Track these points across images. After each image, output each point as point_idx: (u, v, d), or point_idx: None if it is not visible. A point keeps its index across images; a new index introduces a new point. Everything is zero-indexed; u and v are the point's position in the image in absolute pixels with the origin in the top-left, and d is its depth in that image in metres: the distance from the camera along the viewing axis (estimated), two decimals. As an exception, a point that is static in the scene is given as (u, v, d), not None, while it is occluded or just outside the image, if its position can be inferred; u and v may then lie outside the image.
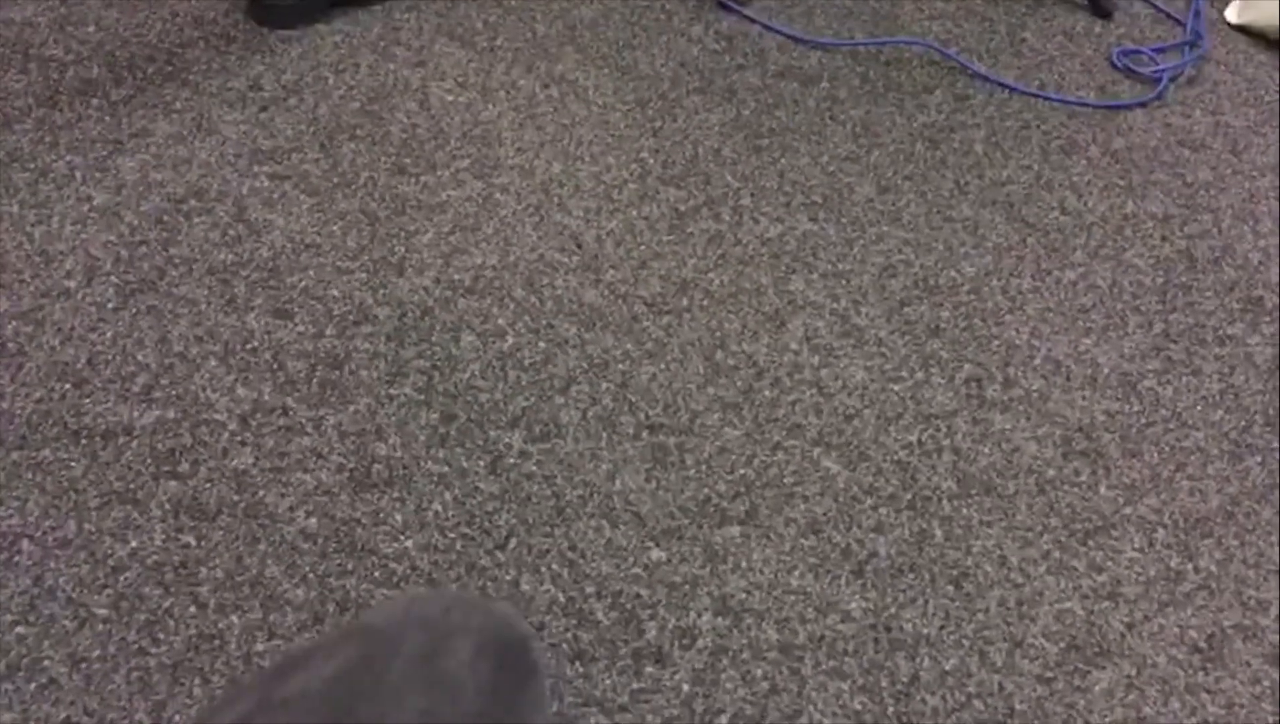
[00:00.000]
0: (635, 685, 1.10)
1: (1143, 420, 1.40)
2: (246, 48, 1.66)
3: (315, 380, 1.30)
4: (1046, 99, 1.80)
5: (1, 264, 1.35)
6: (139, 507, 1.17)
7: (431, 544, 1.18)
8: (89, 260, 1.37)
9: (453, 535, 1.19)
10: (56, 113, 1.53)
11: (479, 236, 1.47)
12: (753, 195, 1.58)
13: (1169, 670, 1.18)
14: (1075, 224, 1.62)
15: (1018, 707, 1.13)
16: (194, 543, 1.15)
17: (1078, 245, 1.59)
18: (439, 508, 1.21)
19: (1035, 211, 1.62)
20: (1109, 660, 1.18)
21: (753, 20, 1.84)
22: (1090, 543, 1.27)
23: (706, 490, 1.26)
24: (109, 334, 1.30)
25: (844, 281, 1.49)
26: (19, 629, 1.07)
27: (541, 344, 1.37)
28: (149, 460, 1.21)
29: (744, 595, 1.18)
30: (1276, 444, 1.39)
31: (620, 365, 1.36)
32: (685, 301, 1.44)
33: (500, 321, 1.38)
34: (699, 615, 1.16)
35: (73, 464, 1.19)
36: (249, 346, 1.32)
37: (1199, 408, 1.42)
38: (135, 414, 1.24)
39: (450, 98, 1.64)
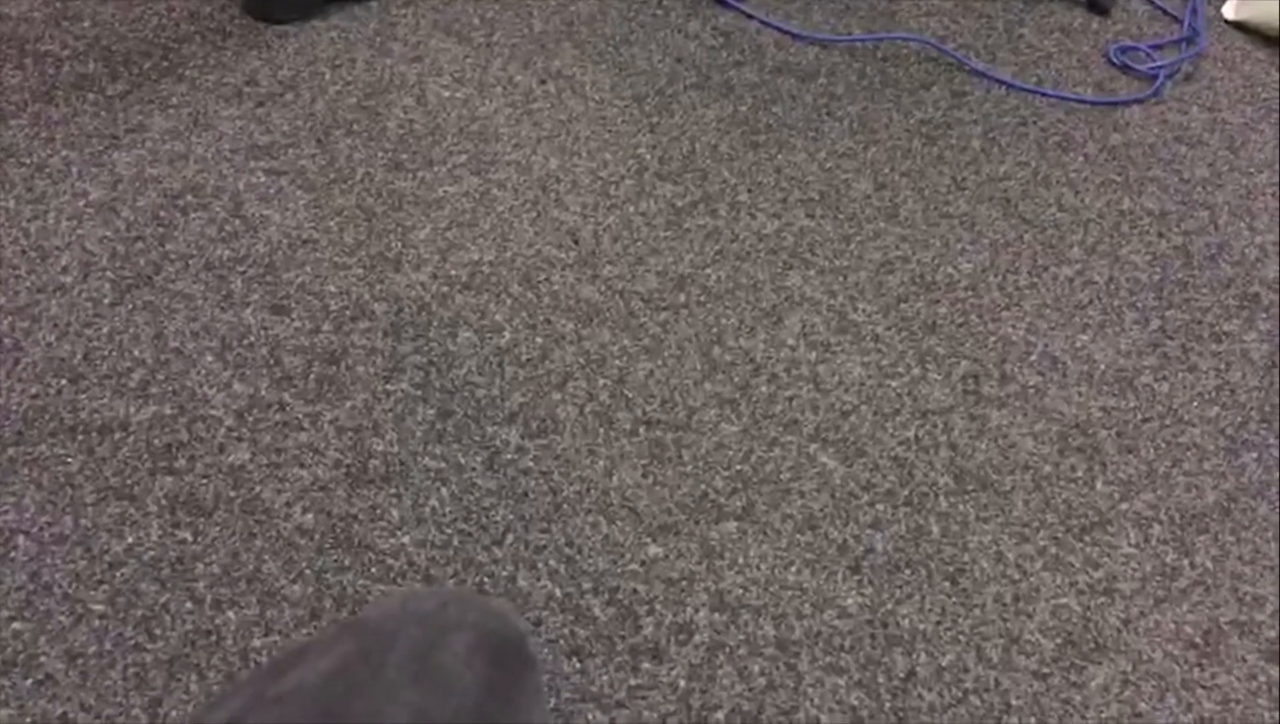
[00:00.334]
0: (632, 681, 1.11)
1: (1139, 416, 1.40)
2: (243, 43, 1.66)
3: (312, 376, 1.29)
4: (1044, 95, 1.80)
5: (-3, 259, 1.35)
6: (135, 502, 1.17)
7: (428, 540, 1.18)
8: (85, 255, 1.37)
9: (449, 531, 1.19)
10: (52, 108, 1.53)
11: (476, 232, 1.47)
12: (750, 191, 1.58)
13: (1165, 666, 1.18)
14: (1072, 220, 1.62)
15: (1014, 702, 1.14)
16: (190, 538, 1.15)
17: (1075, 242, 1.59)
18: (436, 504, 1.21)
19: (1032, 208, 1.62)
20: (1105, 656, 1.18)
21: (750, 16, 1.84)
22: (1086, 539, 1.27)
23: (703, 486, 1.26)
24: (105, 329, 1.30)
25: (841, 278, 1.49)
26: (15, 625, 1.07)
27: (538, 340, 1.36)
28: (145, 456, 1.20)
29: (741, 591, 1.18)
30: (1273, 440, 1.40)
31: (617, 361, 1.36)
32: (682, 297, 1.44)
33: (497, 317, 1.38)
34: (696, 611, 1.16)
35: (69, 460, 1.19)
36: (245, 342, 1.31)
37: (1195, 404, 1.42)
38: (131, 410, 1.24)
39: (447, 93, 1.64)
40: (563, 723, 1.07)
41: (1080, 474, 1.33)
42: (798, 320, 1.43)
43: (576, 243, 1.47)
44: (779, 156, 1.63)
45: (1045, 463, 1.33)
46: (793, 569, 1.21)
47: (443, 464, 1.24)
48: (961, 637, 1.18)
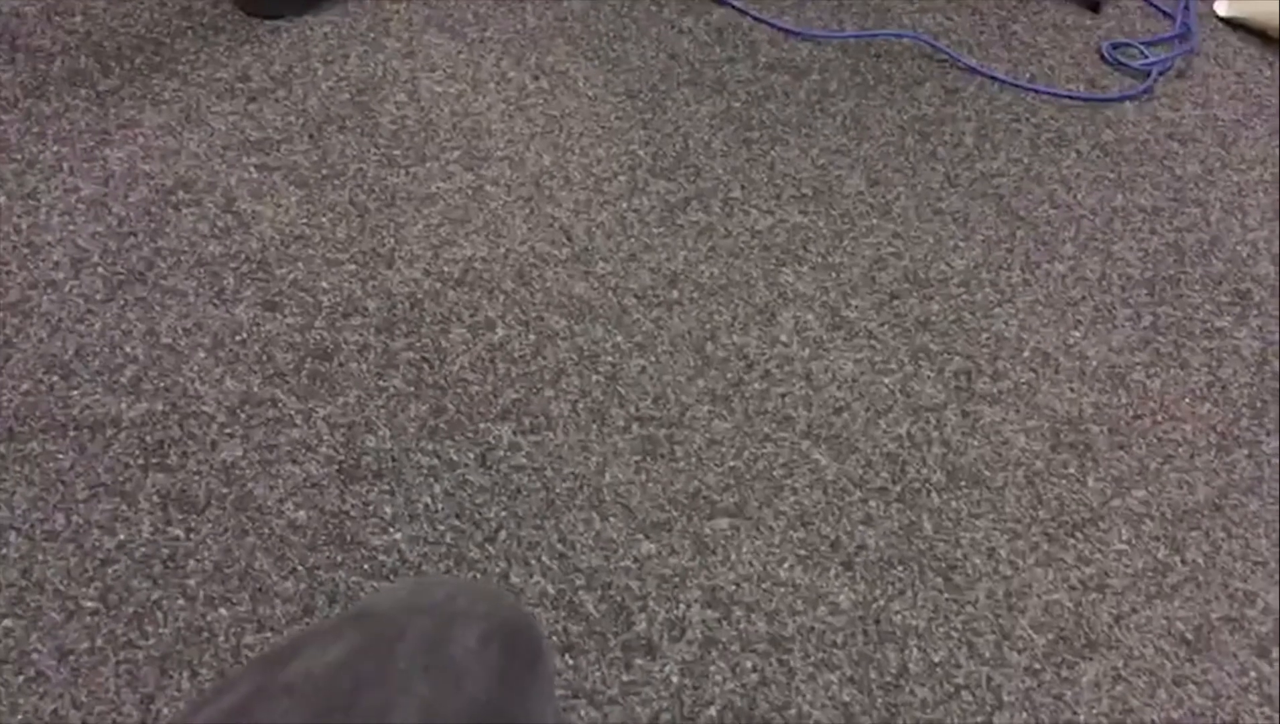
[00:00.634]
0: (625, 677, 1.11)
1: (1131, 413, 1.40)
2: (235, 38, 1.66)
3: (304, 372, 1.29)
4: (1036, 92, 1.80)
5: (-12, 255, 1.35)
6: (127, 499, 1.17)
7: (421, 536, 1.18)
8: (76, 251, 1.37)
9: (442, 527, 1.19)
10: (44, 103, 1.52)
11: (469, 228, 1.46)
12: (743, 188, 1.58)
13: (1156, 662, 1.18)
14: (1064, 217, 1.62)
15: (1006, 698, 1.14)
16: (182, 535, 1.15)
17: (1067, 238, 1.59)
18: (428, 500, 1.21)
19: (1025, 204, 1.63)
20: (1096, 652, 1.18)
21: (743, 12, 1.84)
22: (1078, 535, 1.28)
23: (696, 482, 1.26)
24: (97, 326, 1.30)
25: (834, 274, 1.49)
26: (6, 622, 1.07)
27: (531, 336, 1.36)
28: (137, 452, 1.20)
29: (733, 587, 1.18)
30: (1263, 437, 1.40)
31: (610, 358, 1.36)
32: (675, 294, 1.44)
33: (490, 314, 1.38)
34: (688, 607, 1.16)
35: (60, 456, 1.19)
36: (238, 338, 1.31)
37: (1187, 400, 1.42)
38: (123, 406, 1.24)
39: (440, 89, 1.63)
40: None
41: (1072, 470, 1.33)
42: (790, 317, 1.43)
43: (569, 239, 1.47)
44: (772, 153, 1.63)
45: (1037, 459, 1.34)
46: (785, 565, 1.21)
47: (435, 461, 1.24)
48: (953, 633, 1.18)
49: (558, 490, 1.23)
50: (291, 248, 1.41)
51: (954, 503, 1.28)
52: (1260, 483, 1.35)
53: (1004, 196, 1.63)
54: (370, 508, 1.19)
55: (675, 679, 1.11)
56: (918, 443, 1.33)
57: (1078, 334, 1.47)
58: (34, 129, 1.49)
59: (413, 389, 1.29)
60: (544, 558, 1.18)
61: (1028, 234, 1.59)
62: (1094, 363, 1.44)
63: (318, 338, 1.32)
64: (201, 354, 1.29)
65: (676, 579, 1.18)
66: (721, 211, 1.54)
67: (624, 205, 1.53)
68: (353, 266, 1.40)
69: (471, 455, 1.25)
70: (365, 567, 1.15)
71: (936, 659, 1.16)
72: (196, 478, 1.19)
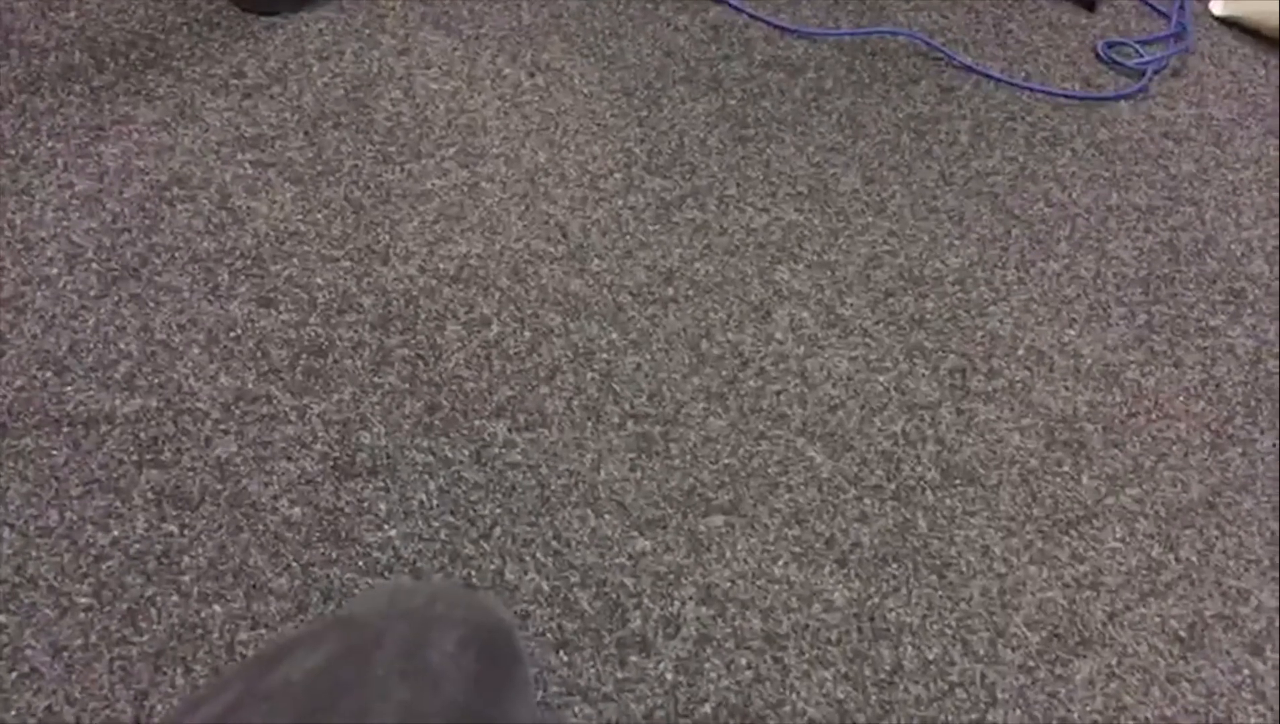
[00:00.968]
0: (619, 674, 1.11)
1: (1125, 411, 1.40)
2: (230, 34, 1.65)
3: (299, 369, 1.29)
4: (1032, 90, 1.80)
5: (-18, 251, 1.35)
6: (121, 495, 1.16)
7: (415, 533, 1.18)
8: (71, 247, 1.36)
9: (437, 524, 1.19)
10: (38, 99, 1.52)
11: (464, 225, 1.46)
12: (738, 185, 1.58)
13: (1150, 660, 1.19)
14: (1059, 215, 1.62)
15: (1000, 696, 1.14)
16: (176, 531, 1.15)
17: (1062, 236, 1.59)
18: (423, 497, 1.20)
19: (1020, 203, 1.63)
20: (1090, 649, 1.19)
21: (739, 10, 1.84)
22: (1072, 533, 1.28)
23: (691, 480, 1.26)
24: (91, 322, 1.30)
25: (829, 272, 1.49)
26: (0, 618, 1.07)
27: (526, 333, 1.36)
28: (131, 449, 1.20)
29: (728, 585, 1.18)
30: (1257, 435, 1.40)
31: (605, 355, 1.36)
32: (670, 291, 1.44)
33: (485, 311, 1.38)
34: (683, 605, 1.16)
35: (54, 452, 1.19)
36: (232, 335, 1.31)
37: (1181, 399, 1.43)
38: (117, 402, 1.23)
39: (435, 86, 1.63)
40: (550, 716, 1.07)
41: (1066, 468, 1.33)
42: (786, 314, 1.43)
43: (565, 236, 1.47)
44: (767, 151, 1.63)
45: (1032, 457, 1.34)
46: (780, 563, 1.21)
47: (430, 457, 1.24)
48: (948, 630, 1.18)
49: (552, 487, 1.23)
50: (286, 244, 1.41)
51: (948, 501, 1.28)
52: (1254, 481, 1.36)
53: (999, 195, 1.63)
54: (365, 505, 1.19)
55: (670, 676, 1.11)
56: (912, 441, 1.33)
57: (1072, 332, 1.48)
58: (28, 125, 1.49)
59: (407, 386, 1.29)
60: (539, 555, 1.18)
61: (1023, 232, 1.59)
62: (1088, 361, 1.45)
63: (312, 334, 1.32)
64: (196, 350, 1.29)
65: (671, 576, 1.18)
66: (717, 209, 1.54)
67: (619, 202, 1.53)
68: (348, 263, 1.40)
69: (466, 452, 1.25)
70: (360, 563, 1.15)
71: (931, 656, 1.16)
72: (191, 474, 1.19)
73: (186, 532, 1.15)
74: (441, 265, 1.41)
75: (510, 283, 1.41)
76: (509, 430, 1.27)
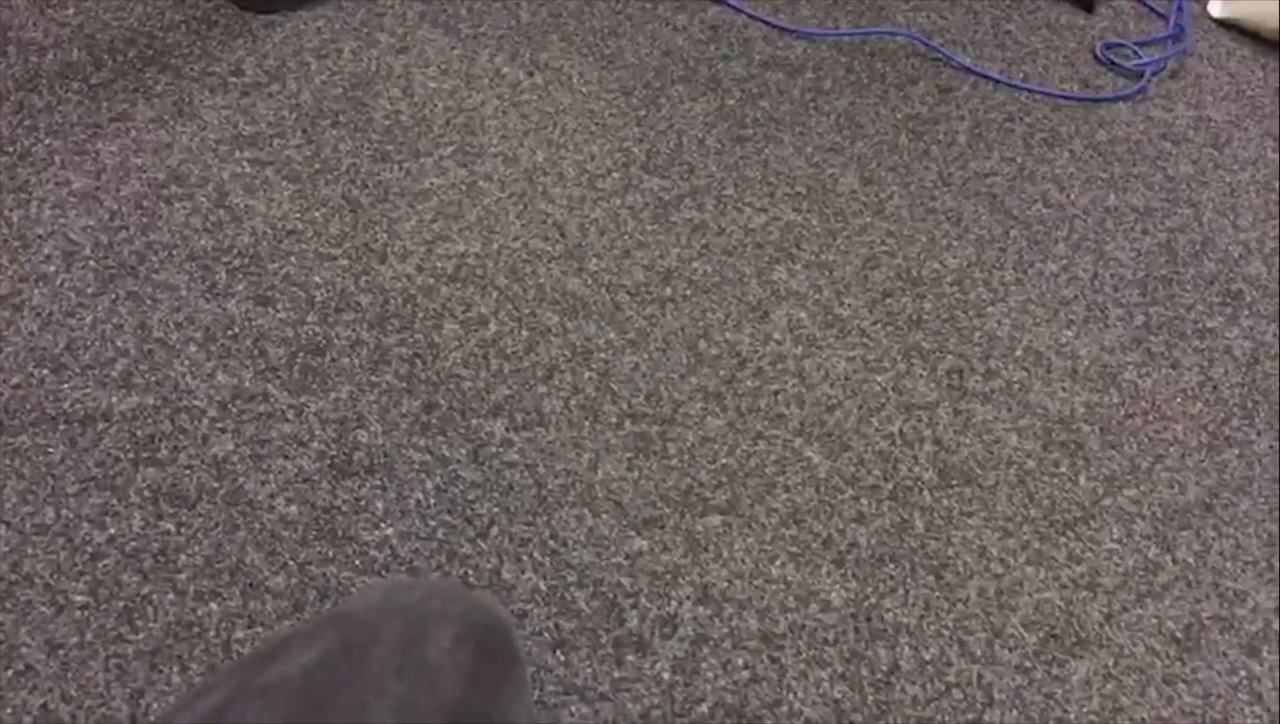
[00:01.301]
0: (616, 674, 1.11)
1: (1123, 412, 1.40)
2: (228, 32, 1.65)
3: (296, 367, 1.29)
4: (1030, 91, 1.80)
5: (-21, 248, 1.34)
6: (118, 493, 1.16)
7: (412, 532, 1.18)
8: (68, 245, 1.36)
9: (434, 523, 1.19)
10: (35, 96, 1.52)
11: (462, 224, 1.46)
12: (736, 185, 1.58)
13: (1146, 661, 1.19)
14: (1057, 216, 1.62)
15: (997, 696, 1.14)
16: (173, 530, 1.14)
17: (1059, 237, 1.59)
18: (420, 496, 1.20)
19: (1018, 203, 1.63)
20: (1087, 650, 1.19)
21: (737, 10, 1.84)
22: (1069, 534, 1.28)
23: (688, 480, 1.26)
24: (88, 319, 1.29)
25: (827, 272, 1.49)
26: (-4, 616, 1.07)
27: (524, 332, 1.36)
28: (128, 446, 1.20)
29: (725, 584, 1.18)
30: (1254, 437, 1.40)
31: (603, 354, 1.36)
32: (668, 291, 1.43)
33: (483, 310, 1.38)
34: (680, 604, 1.16)
35: (51, 450, 1.18)
36: (229, 333, 1.31)
37: (1178, 400, 1.43)
38: (114, 400, 1.23)
39: (434, 84, 1.63)
40: (547, 715, 1.07)
41: (1064, 469, 1.33)
42: (784, 315, 1.43)
43: (563, 236, 1.47)
44: (766, 151, 1.63)
45: (1029, 458, 1.34)
46: (777, 563, 1.21)
47: (427, 456, 1.24)
48: (945, 630, 1.18)
49: (550, 487, 1.23)
50: (284, 243, 1.41)
51: (945, 501, 1.28)
52: (1251, 482, 1.36)
53: (997, 196, 1.63)
54: (362, 503, 1.19)
55: (666, 676, 1.11)
56: (910, 441, 1.33)
57: (1070, 333, 1.48)
58: (25, 122, 1.48)
59: (405, 385, 1.29)
60: (536, 554, 1.18)
61: (1021, 233, 1.59)
62: (1086, 362, 1.45)
63: (310, 333, 1.32)
64: (193, 348, 1.29)
65: (668, 576, 1.18)
66: (715, 209, 1.54)
67: (617, 202, 1.53)
68: (345, 262, 1.40)
69: (464, 451, 1.25)
70: (356, 562, 1.15)
71: (927, 657, 1.16)
72: (187, 472, 1.19)
73: (183, 530, 1.15)
74: (439, 264, 1.41)
75: (508, 282, 1.41)
76: (506, 429, 1.27)
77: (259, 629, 1.09)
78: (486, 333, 1.35)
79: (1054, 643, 1.19)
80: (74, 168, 1.44)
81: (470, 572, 1.16)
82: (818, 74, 1.77)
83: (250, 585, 1.12)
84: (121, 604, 1.09)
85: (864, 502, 1.27)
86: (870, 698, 1.12)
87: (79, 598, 1.09)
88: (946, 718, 1.12)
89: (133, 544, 1.13)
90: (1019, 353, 1.44)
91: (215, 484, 1.18)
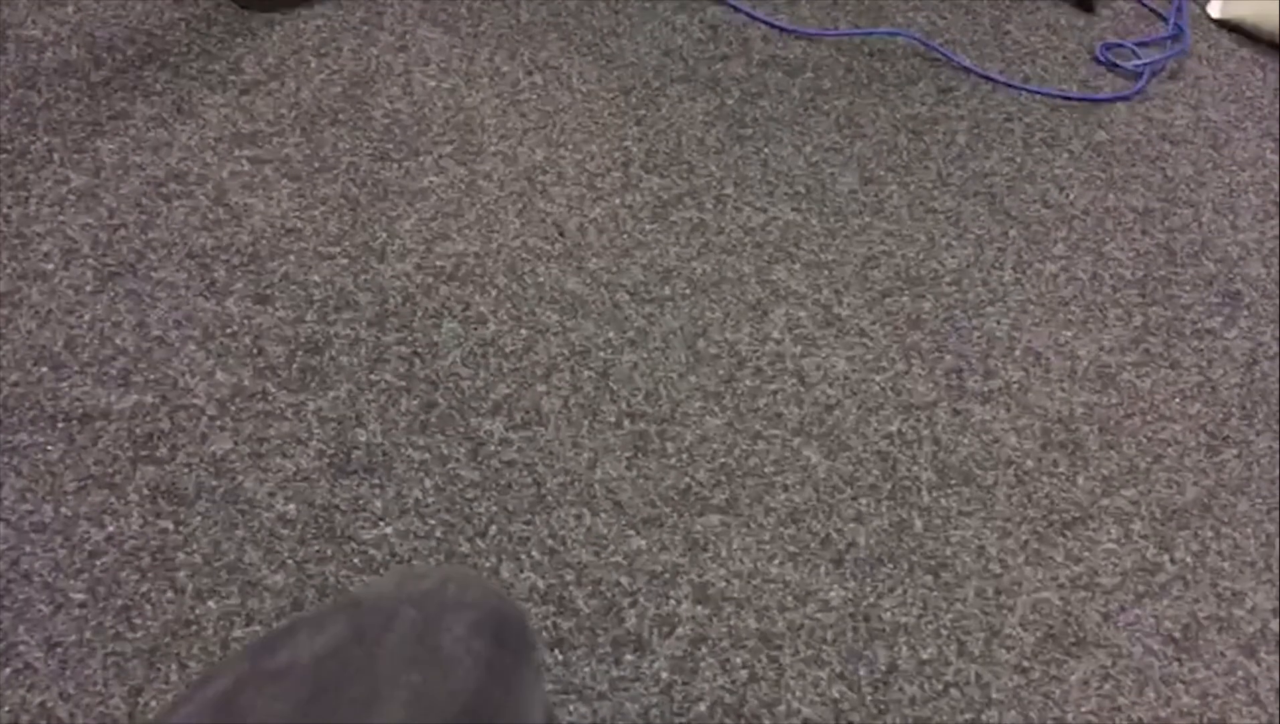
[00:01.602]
0: (615, 673, 1.11)
1: (1121, 412, 1.40)
2: (227, 30, 1.65)
3: (295, 366, 1.29)
4: (1029, 92, 1.80)
5: (-22, 246, 1.34)
6: (116, 491, 1.16)
7: (411, 531, 1.18)
8: (67, 243, 1.36)
9: (433, 522, 1.18)
10: (34, 94, 1.52)
11: (461, 223, 1.46)
12: (736, 185, 1.58)
13: (1145, 661, 1.19)
14: (1056, 216, 1.62)
15: (995, 696, 1.14)
16: (171, 528, 1.14)
17: (1059, 238, 1.59)
18: (419, 495, 1.20)
19: (1017, 204, 1.63)
20: (1085, 650, 1.19)
21: (737, 9, 1.84)
22: (1068, 534, 1.28)
23: (687, 479, 1.26)
24: (87, 317, 1.29)
25: (826, 272, 1.49)
26: (-6, 613, 1.07)
27: (523, 331, 1.36)
28: (126, 445, 1.20)
29: (724, 584, 1.18)
30: (1253, 437, 1.40)
31: (602, 353, 1.36)
32: (667, 290, 1.43)
33: (482, 309, 1.38)
34: (679, 603, 1.16)
35: (49, 448, 1.18)
36: (228, 331, 1.31)
37: (1177, 400, 1.43)
38: (113, 398, 1.23)
39: (433, 83, 1.63)
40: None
41: (1062, 469, 1.33)
42: (783, 314, 1.43)
43: (562, 235, 1.47)
44: (765, 150, 1.63)
45: (1028, 458, 1.34)
46: (776, 562, 1.21)
47: (426, 455, 1.24)
48: (943, 630, 1.18)
49: (548, 486, 1.23)
50: (283, 241, 1.40)
51: (944, 501, 1.28)
52: (1250, 483, 1.36)
53: (996, 196, 1.64)
54: (360, 502, 1.19)
55: (665, 675, 1.11)
56: (908, 441, 1.33)
57: (1069, 333, 1.48)
58: (24, 120, 1.48)
59: (404, 383, 1.29)
60: (534, 553, 1.18)
61: (1020, 233, 1.59)
62: (1085, 362, 1.45)
63: (309, 331, 1.32)
64: (192, 346, 1.29)
65: (667, 575, 1.18)
66: (714, 208, 1.54)
67: (617, 201, 1.53)
68: (344, 260, 1.40)
69: (462, 450, 1.25)
70: (355, 561, 1.15)
71: (926, 656, 1.16)
72: (186, 471, 1.19)
73: (182, 528, 1.15)
74: (438, 263, 1.41)
75: (507, 281, 1.41)
76: (505, 428, 1.27)
77: (257, 627, 1.09)
78: (485, 332, 1.35)
79: (1052, 643, 1.19)
80: (73, 165, 1.44)
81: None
82: (817, 74, 1.77)
83: (249, 583, 1.12)
84: (120, 602, 1.09)
85: (862, 501, 1.27)
86: (868, 698, 1.12)
87: (77, 596, 1.09)
88: (944, 718, 1.12)
89: (131, 542, 1.13)
90: (1018, 353, 1.44)
91: (214, 482, 1.18)
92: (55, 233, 1.37)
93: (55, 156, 1.45)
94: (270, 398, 1.26)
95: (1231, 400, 1.44)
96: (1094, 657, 1.18)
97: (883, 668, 1.15)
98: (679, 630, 1.14)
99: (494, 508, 1.21)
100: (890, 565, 1.22)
